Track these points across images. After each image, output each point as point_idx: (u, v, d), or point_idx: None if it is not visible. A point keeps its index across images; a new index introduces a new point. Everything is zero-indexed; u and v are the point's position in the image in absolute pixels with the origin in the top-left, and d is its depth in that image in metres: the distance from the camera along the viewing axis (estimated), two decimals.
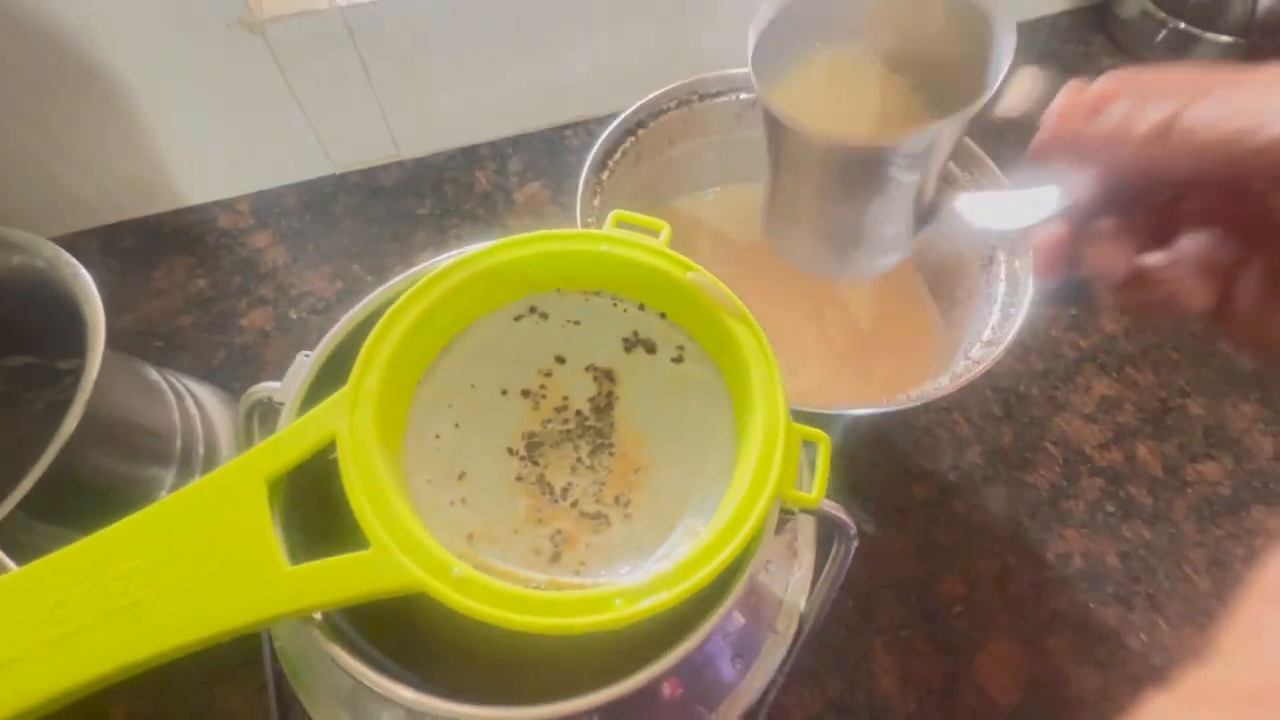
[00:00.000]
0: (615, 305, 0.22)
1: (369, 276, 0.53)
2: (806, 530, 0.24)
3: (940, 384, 0.35)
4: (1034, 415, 0.49)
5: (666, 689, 0.20)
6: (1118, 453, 0.48)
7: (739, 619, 0.21)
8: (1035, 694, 0.40)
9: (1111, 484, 0.47)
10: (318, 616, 0.17)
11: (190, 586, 0.15)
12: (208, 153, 0.52)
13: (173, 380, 0.33)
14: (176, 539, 0.16)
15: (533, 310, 0.22)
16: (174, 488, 0.29)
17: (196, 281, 0.52)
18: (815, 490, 0.18)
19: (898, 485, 0.46)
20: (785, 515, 0.18)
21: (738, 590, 0.17)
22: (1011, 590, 0.43)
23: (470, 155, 0.59)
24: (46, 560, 0.15)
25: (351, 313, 0.22)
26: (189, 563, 0.15)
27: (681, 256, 0.21)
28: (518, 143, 0.59)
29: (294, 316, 0.51)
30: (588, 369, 0.22)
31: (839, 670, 0.40)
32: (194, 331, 0.50)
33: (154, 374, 0.32)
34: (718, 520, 0.17)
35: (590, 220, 0.40)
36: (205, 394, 0.35)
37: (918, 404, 0.35)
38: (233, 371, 0.48)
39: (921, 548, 0.44)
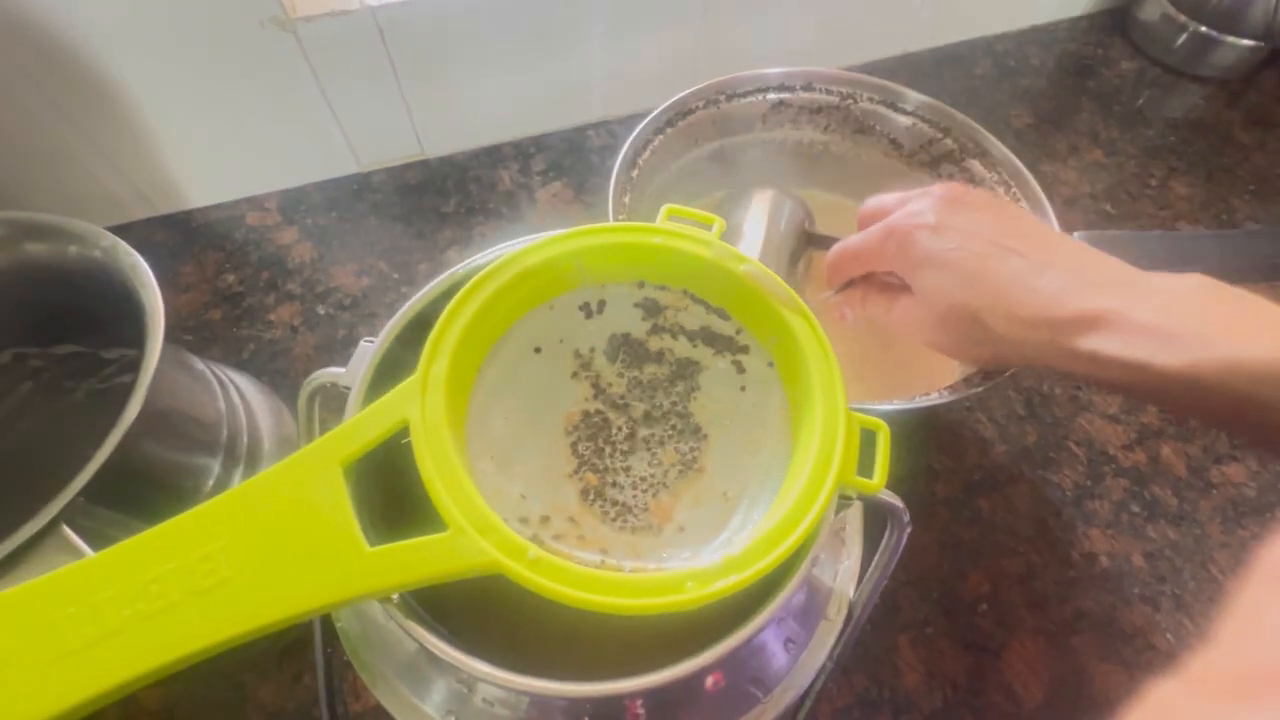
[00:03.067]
0: (668, 296, 0.23)
1: (395, 274, 0.53)
2: (855, 519, 0.24)
3: (972, 381, 0.35)
4: (1057, 415, 0.50)
5: (722, 672, 0.20)
6: (1141, 453, 0.48)
7: (793, 606, 0.21)
8: (1060, 692, 0.41)
9: (1136, 484, 0.47)
10: (394, 597, 0.17)
11: (274, 567, 0.15)
12: (237, 151, 0.53)
13: (217, 370, 0.33)
14: (258, 522, 0.16)
15: (586, 301, 0.23)
16: (220, 477, 0.30)
17: (225, 277, 0.53)
18: (877, 476, 0.18)
19: (921, 483, 0.47)
20: (844, 501, 0.18)
21: (801, 572, 0.17)
22: (1036, 589, 0.43)
23: (494, 154, 0.59)
24: (136, 540, 0.15)
25: (412, 301, 0.22)
26: (272, 544, 0.16)
27: (734, 249, 0.22)
28: (541, 142, 0.60)
29: (321, 312, 0.52)
30: (640, 359, 0.23)
31: (865, 666, 0.41)
32: (223, 325, 0.51)
33: (200, 364, 0.32)
34: (781, 506, 0.18)
35: (621, 217, 0.40)
36: (246, 384, 0.36)
37: (949, 400, 0.35)
38: (261, 365, 0.49)
39: (946, 545, 0.44)
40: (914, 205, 0.29)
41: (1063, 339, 0.25)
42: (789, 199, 0.42)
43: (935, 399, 0.35)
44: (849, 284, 0.34)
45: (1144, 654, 0.42)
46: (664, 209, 0.23)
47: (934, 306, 0.28)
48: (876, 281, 0.32)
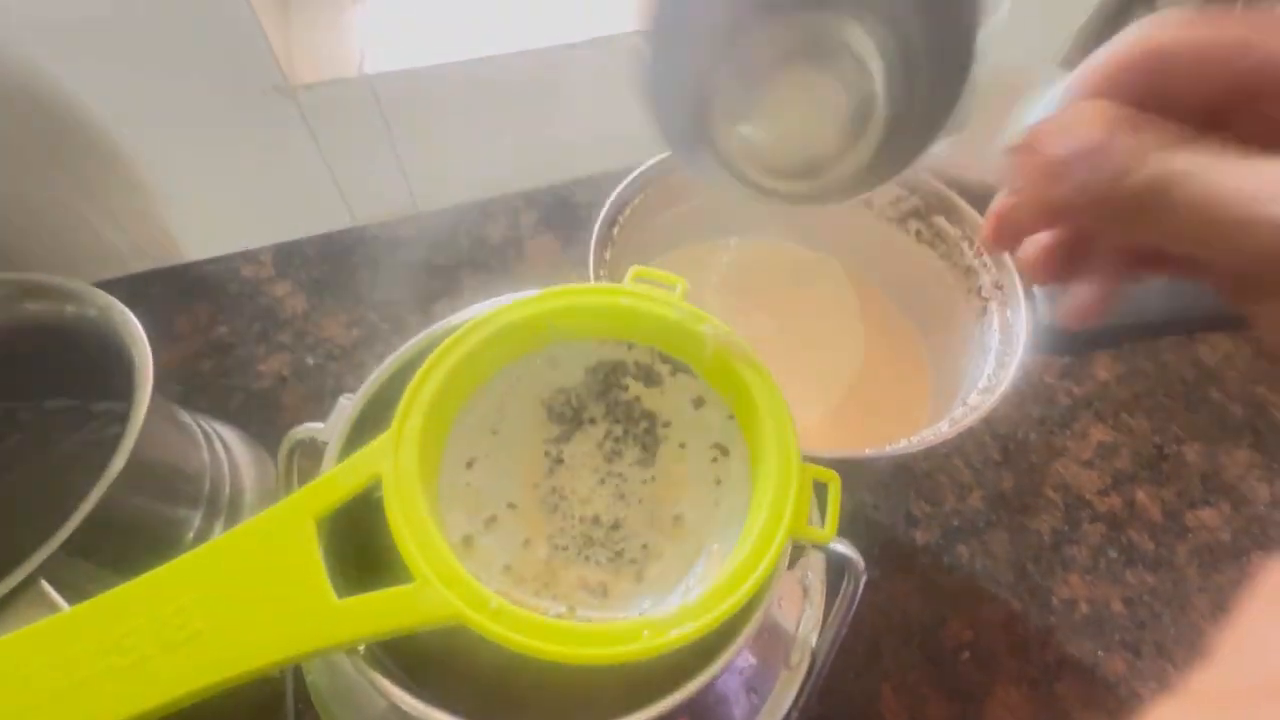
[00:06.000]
0: (636, 353, 0.24)
1: (384, 324, 0.55)
2: (817, 568, 0.25)
3: (940, 429, 0.36)
4: (1033, 461, 0.50)
5: (688, 718, 0.20)
6: (1117, 498, 0.49)
7: (753, 654, 0.22)
8: None
9: (1113, 530, 0.48)
10: (361, 648, 0.18)
11: (245, 619, 0.16)
12: (235, 206, 0.55)
13: (202, 423, 0.34)
14: (231, 574, 0.17)
15: (557, 357, 0.24)
16: (200, 528, 0.30)
17: (218, 328, 0.54)
18: (828, 528, 0.19)
19: (901, 529, 0.47)
20: (797, 550, 0.19)
21: (754, 622, 0.18)
22: (1018, 635, 0.43)
23: (484, 209, 0.61)
24: (111, 594, 0.16)
25: (391, 359, 0.23)
26: (244, 597, 0.16)
27: (696, 309, 0.23)
28: (529, 197, 0.62)
29: (310, 363, 0.53)
30: (608, 414, 0.24)
31: (849, 714, 0.40)
32: (213, 376, 0.52)
33: (185, 416, 0.33)
34: (736, 557, 0.18)
35: (602, 272, 0.42)
36: (230, 435, 0.37)
37: (918, 449, 0.36)
38: (249, 416, 0.50)
39: (926, 592, 0.45)
40: None
41: None
42: None
43: (906, 448, 0.36)
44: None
45: (1128, 702, 0.41)
46: (631, 270, 0.24)
47: None
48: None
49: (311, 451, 0.23)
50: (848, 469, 0.37)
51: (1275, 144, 0.13)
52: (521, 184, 0.62)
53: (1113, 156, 0.14)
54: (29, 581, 0.21)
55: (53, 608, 0.21)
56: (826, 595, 0.24)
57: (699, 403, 0.24)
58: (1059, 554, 0.46)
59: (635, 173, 0.46)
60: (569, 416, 0.24)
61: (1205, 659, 0.14)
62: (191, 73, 0.45)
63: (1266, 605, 0.15)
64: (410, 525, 0.18)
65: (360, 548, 0.21)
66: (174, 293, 0.55)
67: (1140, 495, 0.49)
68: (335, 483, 0.18)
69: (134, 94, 0.45)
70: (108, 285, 0.54)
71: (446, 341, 0.21)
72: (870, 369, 0.47)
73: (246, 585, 0.16)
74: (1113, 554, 0.47)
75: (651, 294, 0.23)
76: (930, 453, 0.51)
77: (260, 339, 0.54)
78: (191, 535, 0.30)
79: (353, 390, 0.31)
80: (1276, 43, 0.14)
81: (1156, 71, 0.15)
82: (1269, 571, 0.15)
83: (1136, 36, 0.15)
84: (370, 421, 0.22)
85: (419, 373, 0.20)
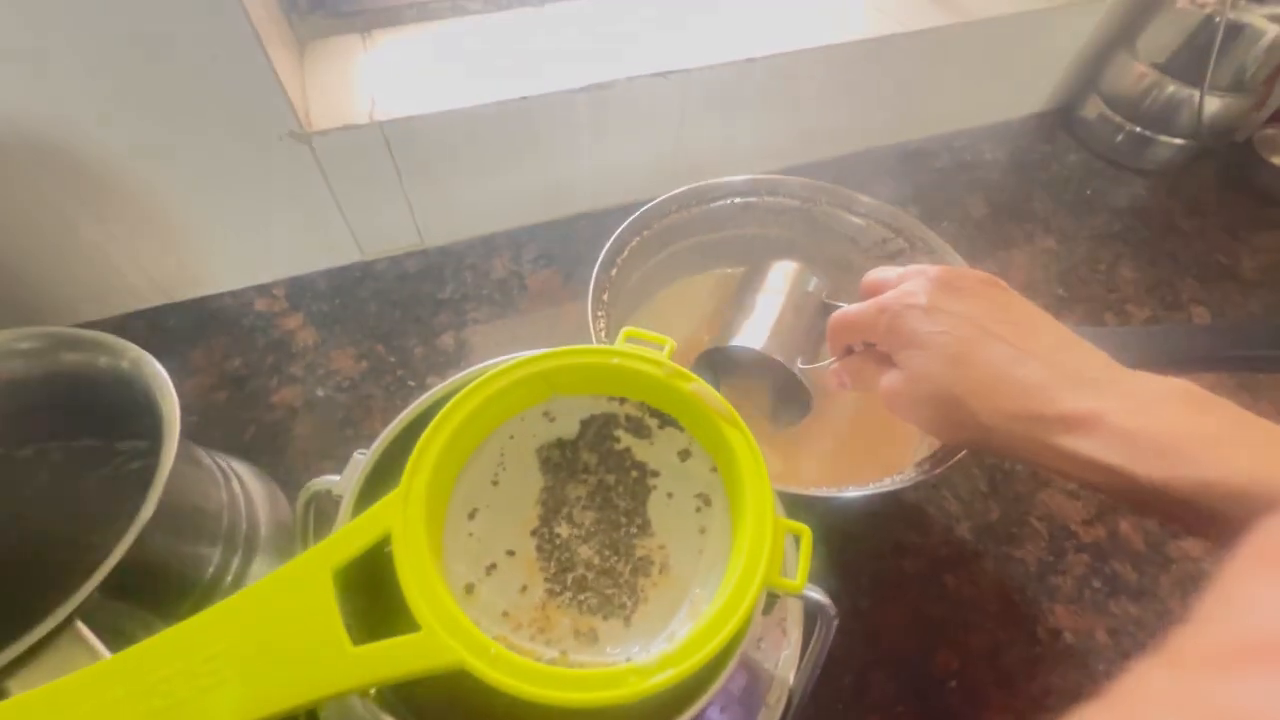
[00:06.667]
0: (625, 408, 0.26)
1: (391, 357, 0.57)
2: (795, 609, 0.26)
3: (923, 468, 0.38)
4: (1019, 491, 0.52)
5: None
6: (1101, 529, 0.50)
7: (734, 692, 0.23)
8: None
9: (1097, 560, 0.49)
10: (371, 691, 0.20)
11: (270, 666, 0.18)
12: (250, 244, 0.57)
13: (219, 461, 0.36)
14: (257, 624, 0.18)
15: (554, 413, 0.26)
16: (219, 564, 0.32)
17: (232, 360, 0.56)
18: (799, 577, 0.21)
19: (890, 559, 0.48)
20: (773, 598, 0.21)
21: (730, 667, 0.20)
22: (1004, 665, 0.45)
23: (489, 244, 0.64)
24: (149, 642, 0.18)
25: (400, 418, 0.25)
26: (268, 645, 0.18)
27: (682, 369, 0.25)
28: (532, 232, 0.65)
29: (321, 394, 0.55)
30: (601, 463, 0.25)
31: None
32: (227, 408, 0.54)
33: (205, 457, 0.35)
34: (715, 605, 0.20)
35: (600, 313, 0.44)
36: (245, 472, 0.38)
37: (903, 486, 0.38)
38: (262, 446, 0.52)
39: (914, 622, 0.46)
40: (908, 284, 0.30)
41: (1043, 434, 0.25)
42: (808, 271, 0.45)
43: (889, 484, 0.38)
44: (848, 351, 0.35)
45: None
46: (622, 332, 0.26)
47: (918, 387, 0.29)
48: (874, 353, 0.33)
49: (326, 497, 0.25)
50: (837, 502, 0.39)
51: (891, 353, 0.31)
52: (524, 219, 0.65)
53: (845, 376, 0.35)
54: (66, 624, 0.23)
55: (88, 648, 0.22)
56: (804, 635, 0.25)
57: (685, 455, 0.25)
58: (1044, 584, 0.48)
59: (633, 216, 0.48)
60: (564, 466, 0.25)
61: (1188, 618, 0.14)
62: (212, 120, 0.48)
63: (1249, 565, 0.16)
64: (418, 578, 0.19)
65: (371, 591, 0.22)
66: (191, 326, 0.58)
67: (1123, 525, 0.51)
68: (350, 538, 0.20)
69: (157, 140, 0.48)
70: (128, 318, 0.57)
71: (452, 401, 0.23)
72: (865, 406, 0.49)
73: (270, 634, 0.18)
74: (1097, 584, 0.48)
75: (641, 354, 0.25)
76: (919, 483, 0.52)
77: (273, 371, 0.56)
78: (211, 570, 0.32)
79: (358, 423, 0.32)
80: (863, 320, 0.32)
81: (841, 330, 0.34)
82: (1252, 533, 0.16)
83: (832, 317, 0.34)
84: (382, 473, 0.24)
85: (426, 432, 0.22)
